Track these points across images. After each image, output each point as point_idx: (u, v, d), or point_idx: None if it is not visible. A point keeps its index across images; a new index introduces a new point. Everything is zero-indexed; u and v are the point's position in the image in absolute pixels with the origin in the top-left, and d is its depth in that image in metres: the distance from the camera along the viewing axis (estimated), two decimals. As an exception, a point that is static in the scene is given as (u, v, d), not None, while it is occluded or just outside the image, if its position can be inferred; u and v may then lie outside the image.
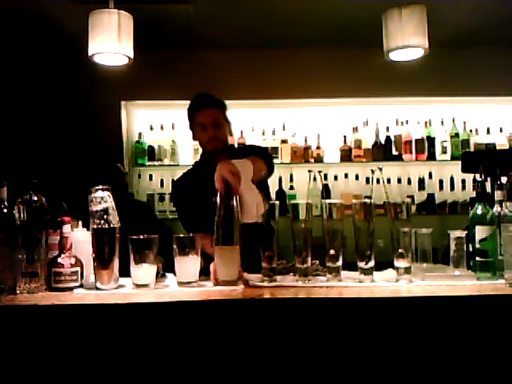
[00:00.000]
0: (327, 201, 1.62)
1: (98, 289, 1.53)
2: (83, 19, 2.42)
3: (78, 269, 1.55)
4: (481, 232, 1.61)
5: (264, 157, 2.00)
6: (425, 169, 4.00)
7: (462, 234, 1.67)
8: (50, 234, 1.58)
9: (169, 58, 3.77)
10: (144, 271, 1.54)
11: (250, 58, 3.78)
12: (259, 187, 1.68)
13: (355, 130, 3.95)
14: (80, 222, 1.71)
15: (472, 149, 3.89)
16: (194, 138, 2.39)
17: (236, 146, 3.52)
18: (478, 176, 1.68)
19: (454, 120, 3.97)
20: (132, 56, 2.45)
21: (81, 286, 1.57)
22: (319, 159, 3.91)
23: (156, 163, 3.92)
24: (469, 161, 2.47)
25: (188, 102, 3.86)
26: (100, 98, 3.70)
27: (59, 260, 1.54)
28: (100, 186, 1.57)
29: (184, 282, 1.58)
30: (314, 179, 1.72)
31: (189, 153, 3.94)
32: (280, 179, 3.84)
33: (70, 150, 3.67)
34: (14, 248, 1.48)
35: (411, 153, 3.91)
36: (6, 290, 1.46)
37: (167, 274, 1.80)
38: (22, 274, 1.49)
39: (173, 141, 3.93)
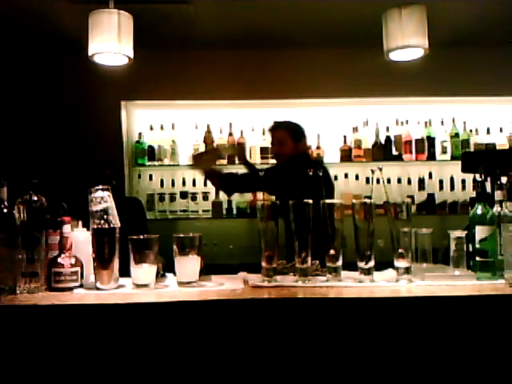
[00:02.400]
0: (327, 201, 1.62)
1: (98, 289, 1.53)
2: (83, 19, 2.42)
3: (78, 269, 1.55)
4: (481, 232, 1.61)
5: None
6: (425, 169, 3.99)
7: (462, 234, 1.67)
8: (50, 234, 1.58)
9: (169, 58, 3.76)
10: (144, 271, 1.54)
11: (249, 58, 3.78)
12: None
13: (355, 130, 3.95)
14: (80, 222, 1.70)
15: (472, 149, 3.89)
16: None
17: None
18: (478, 176, 1.68)
19: (454, 120, 3.97)
20: (132, 56, 2.45)
21: (81, 286, 1.57)
22: (319, 159, 3.91)
23: (156, 163, 3.92)
24: (469, 161, 2.47)
25: (188, 102, 3.92)
26: (100, 98, 3.70)
27: (59, 260, 1.54)
28: (100, 186, 1.57)
29: (184, 282, 1.58)
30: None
31: (189, 153, 3.93)
32: (280, 179, 3.84)
33: (70, 150, 3.67)
34: (14, 248, 1.48)
35: (411, 153, 3.91)
36: (5, 290, 1.46)
37: (167, 274, 1.80)
38: (22, 273, 1.49)
39: (173, 141, 3.93)
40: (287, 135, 2.95)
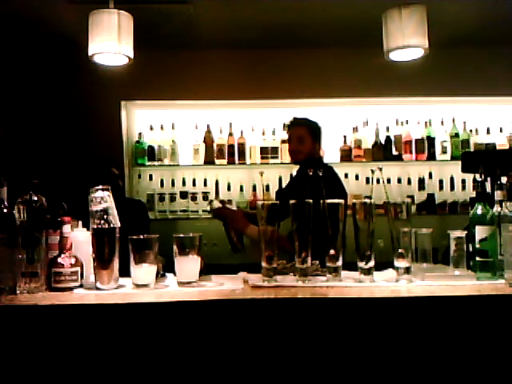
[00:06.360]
0: (327, 201, 1.62)
1: (98, 289, 1.53)
2: (83, 19, 2.41)
3: (78, 269, 1.56)
4: (481, 232, 1.61)
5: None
6: (425, 169, 3.99)
7: (462, 233, 1.68)
8: (50, 234, 1.58)
9: (169, 58, 3.76)
10: (144, 271, 1.54)
11: (249, 58, 3.78)
12: None
13: (355, 130, 3.95)
14: (80, 222, 1.70)
15: (472, 149, 3.89)
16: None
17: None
18: (478, 176, 1.68)
19: (454, 120, 3.97)
20: (132, 56, 2.45)
21: (81, 286, 1.57)
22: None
23: (156, 163, 3.92)
24: (469, 161, 2.47)
25: (188, 102, 3.92)
26: (100, 98, 3.70)
27: (59, 260, 1.54)
28: (100, 186, 1.57)
29: (184, 282, 1.58)
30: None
31: (189, 153, 3.94)
32: (280, 179, 3.84)
33: (70, 150, 3.67)
34: (13, 248, 1.48)
35: (411, 153, 3.91)
36: (6, 290, 1.46)
37: (167, 274, 1.80)
38: (22, 274, 1.49)
39: (173, 141, 3.93)
40: (307, 133, 2.82)
